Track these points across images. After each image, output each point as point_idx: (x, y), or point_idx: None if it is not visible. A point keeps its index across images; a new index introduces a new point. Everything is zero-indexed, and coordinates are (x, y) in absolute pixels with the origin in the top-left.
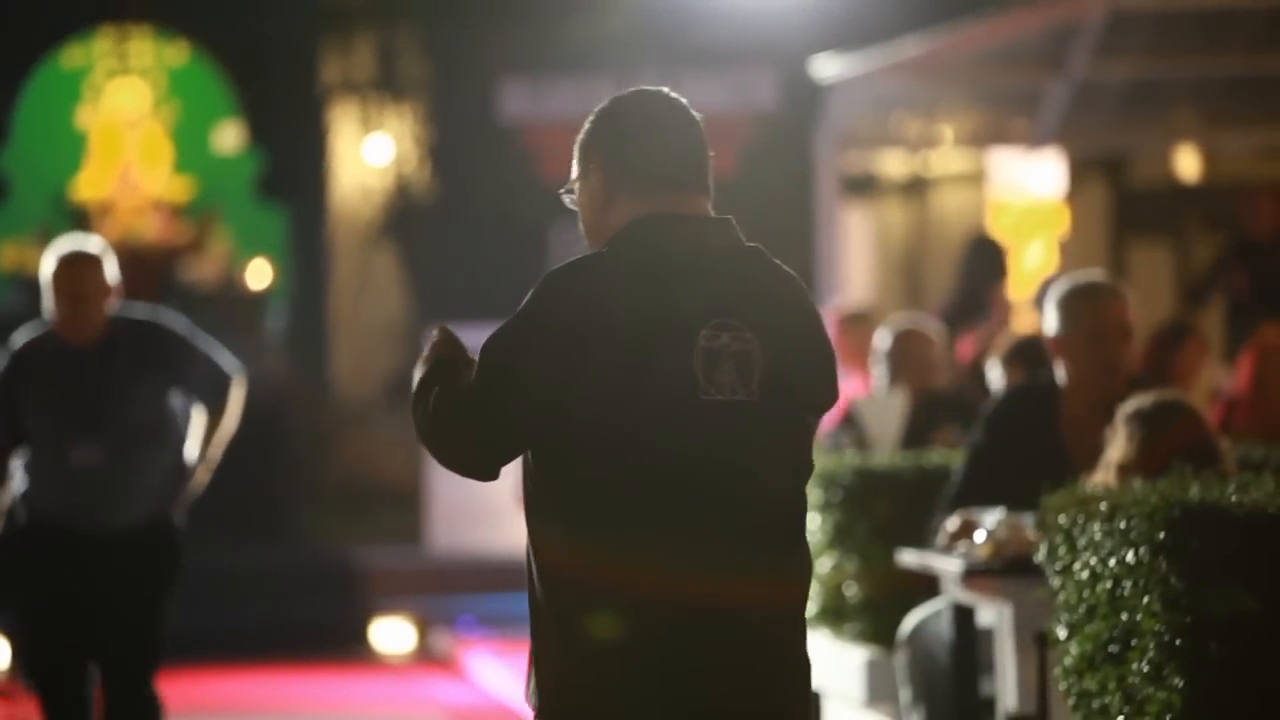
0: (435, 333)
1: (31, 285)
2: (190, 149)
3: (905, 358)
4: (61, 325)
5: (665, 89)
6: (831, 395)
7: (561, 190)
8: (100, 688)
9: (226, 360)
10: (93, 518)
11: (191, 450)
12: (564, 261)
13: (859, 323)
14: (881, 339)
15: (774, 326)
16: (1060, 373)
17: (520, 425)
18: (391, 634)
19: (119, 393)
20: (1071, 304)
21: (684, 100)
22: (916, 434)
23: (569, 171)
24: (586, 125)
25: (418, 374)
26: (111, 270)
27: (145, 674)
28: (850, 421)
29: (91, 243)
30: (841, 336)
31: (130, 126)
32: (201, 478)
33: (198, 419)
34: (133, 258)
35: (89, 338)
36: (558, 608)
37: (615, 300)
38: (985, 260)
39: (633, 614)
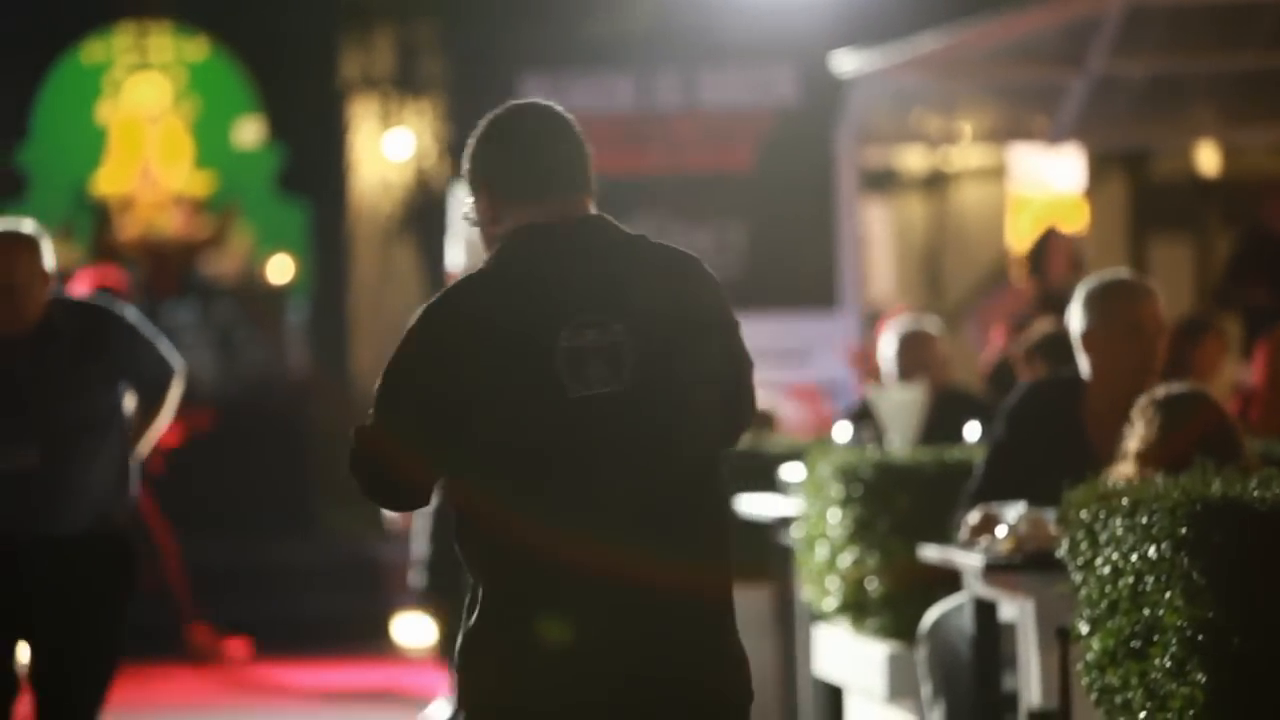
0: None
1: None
2: (211, 144)
3: (911, 358)
4: None
5: (539, 100)
6: (726, 360)
7: (464, 216)
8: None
9: (171, 355)
10: (30, 526)
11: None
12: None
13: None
14: (887, 341)
15: (649, 311)
16: (1085, 367)
17: (423, 449)
18: (413, 628)
19: (57, 386)
20: (1108, 300)
21: (556, 107)
22: (932, 429)
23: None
24: (468, 149)
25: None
26: (48, 254)
27: (88, 708)
28: (866, 413)
29: (25, 224)
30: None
31: (151, 122)
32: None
33: (132, 412)
34: (154, 253)
35: (18, 329)
36: (486, 604)
37: (482, 315)
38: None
39: (545, 608)
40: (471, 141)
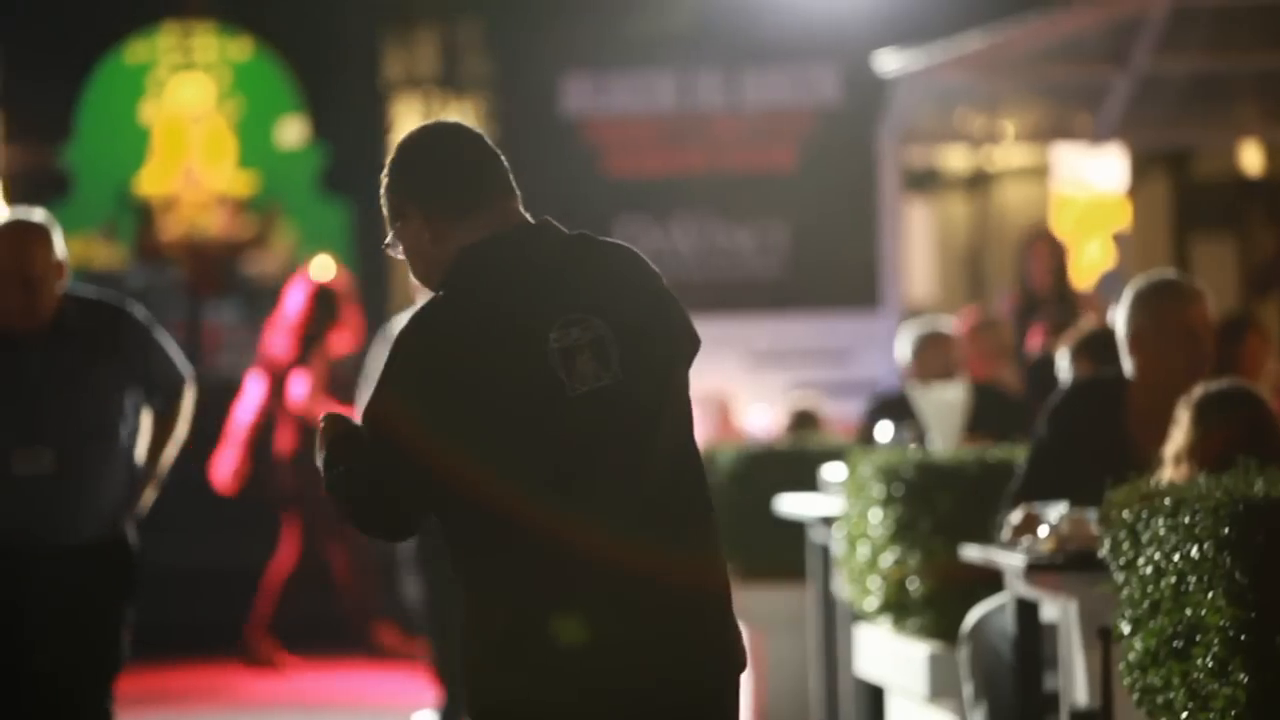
0: (323, 421)
1: (96, 280)
2: (254, 144)
3: (929, 360)
4: (2, 311)
5: (437, 119)
6: (691, 337)
7: (384, 246)
8: None
9: (180, 360)
10: (40, 535)
11: (141, 458)
12: (409, 314)
13: (989, 329)
14: (902, 345)
15: (616, 302)
16: (1129, 367)
17: (421, 480)
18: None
19: (70, 387)
20: (1159, 301)
21: (457, 120)
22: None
23: (632, 165)
24: (386, 177)
25: (320, 459)
26: (60, 245)
27: (93, 715)
28: (895, 407)
29: (35, 213)
30: (972, 343)
31: (194, 122)
32: (148, 495)
33: (148, 425)
34: (196, 253)
35: (34, 325)
36: (501, 610)
37: (464, 334)
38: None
39: (565, 609)
40: (391, 171)
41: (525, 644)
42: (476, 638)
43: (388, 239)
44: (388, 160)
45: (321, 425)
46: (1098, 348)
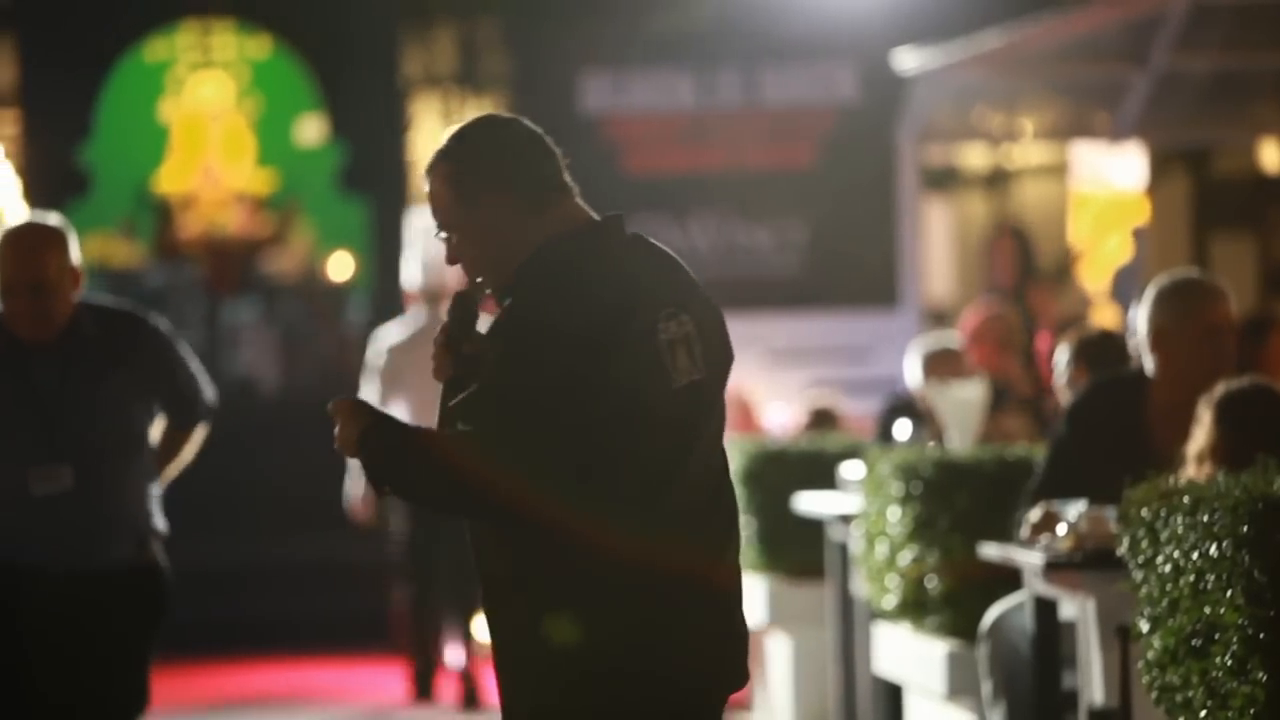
0: (339, 406)
1: (115, 278)
2: (272, 142)
3: (937, 375)
4: (14, 320)
5: (498, 113)
6: (731, 350)
7: (436, 234)
8: None
9: (207, 386)
10: (61, 557)
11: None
12: (523, 294)
13: (998, 320)
14: (912, 361)
15: (691, 300)
16: (1150, 365)
17: (556, 452)
18: (475, 625)
19: (87, 399)
20: (1182, 300)
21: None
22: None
23: (651, 163)
24: (455, 162)
25: (376, 447)
26: (75, 249)
27: None
28: (907, 407)
29: (51, 216)
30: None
31: (213, 120)
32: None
33: (159, 437)
34: (215, 251)
35: (47, 334)
36: (571, 598)
37: (588, 321)
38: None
39: (642, 603)
40: (466, 156)
41: (606, 635)
42: (546, 626)
43: (444, 227)
44: (451, 145)
45: (345, 410)
46: (1095, 351)
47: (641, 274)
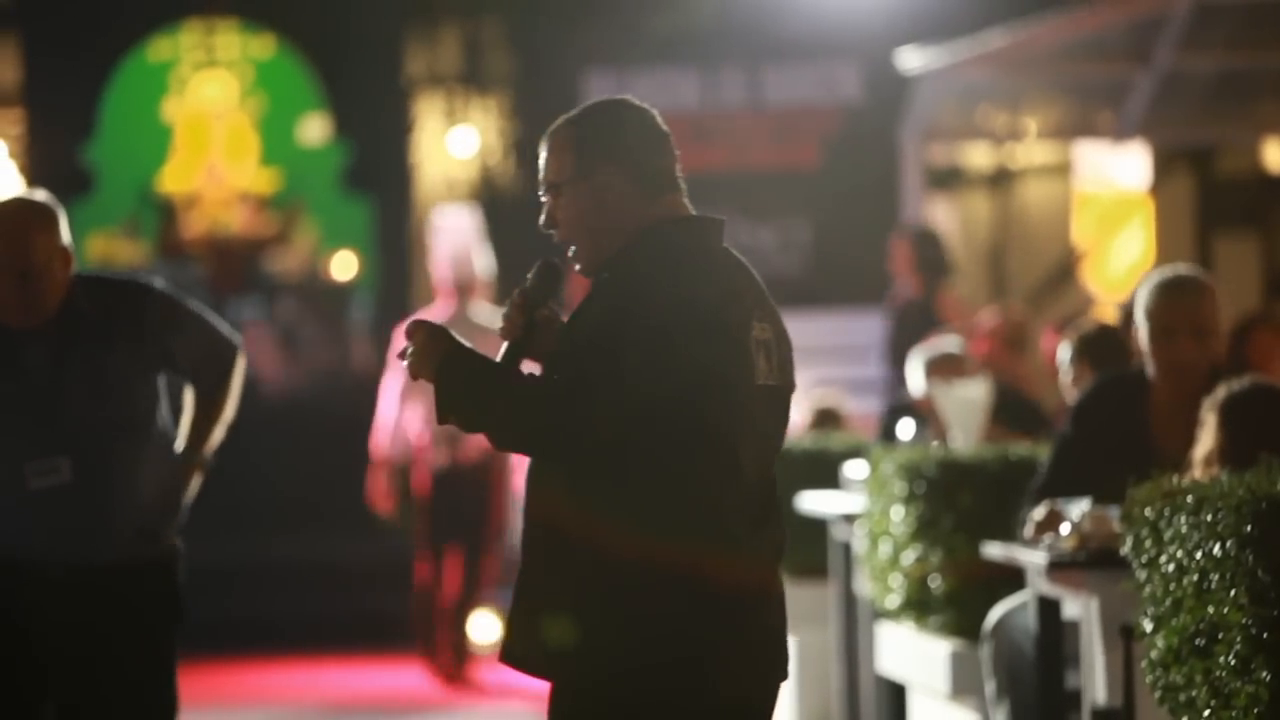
0: (417, 328)
1: None
2: (276, 141)
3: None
4: (2, 307)
5: (634, 100)
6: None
7: (548, 185)
8: None
9: (224, 328)
10: (64, 554)
11: (181, 446)
12: (623, 261)
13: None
14: (915, 369)
15: (770, 311)
16: (1148, 363)
17: (624, 414)
18: (479, 626)
19: (86, 381)
20: (1147, 299)
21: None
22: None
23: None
24: (583, 128)
25: (456, 372)
26: (64, 227)
27: None
28: (922, 414)
29: (38, 194)
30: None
31: (216, 119)
32: (192, 481)
33: (189, 404)
34: (219, 250)
35: (41, 317)
36: (629, 590)
37: (690, 301)
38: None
39: (709, 598)
40: (591, 126)
41: (698, 631)
42: (621, 625)
43: (554, 181)
44: (584, 114)
45: (421, 333)
46: (1096, 348)
47: (737, 274)
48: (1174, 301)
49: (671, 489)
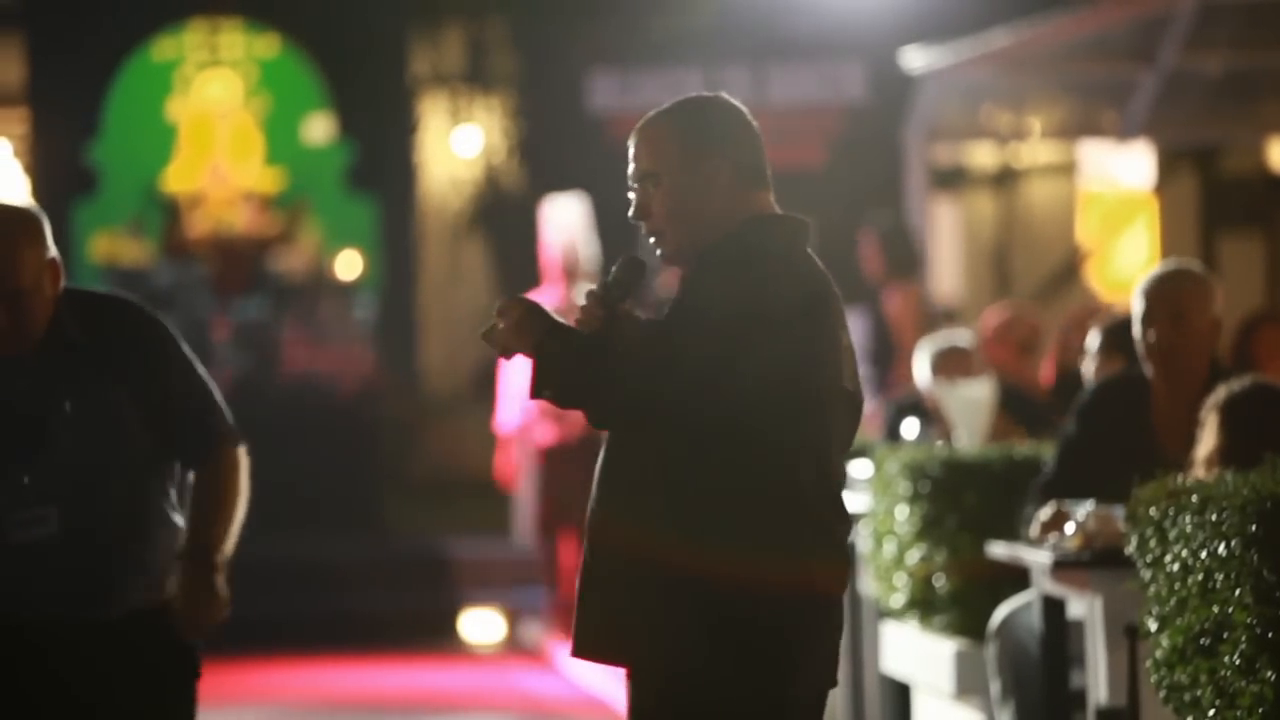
0: (512, 305)
1: (123, 277)
2: (281, 141)
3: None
4: None
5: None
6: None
7: (644, 174)
8: None
9: (219, 405)
10: (54, 612)
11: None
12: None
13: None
14: (920, 361)
15: (845, 318)
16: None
17: (738, 402)
18: (481, 625)
19: (75, 420)
20: (1151, 292)
21: None
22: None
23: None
24: (685, 120)
25: (554, 347)
26: (49, 240)
27: None
28: (926, 409)
29: (18, 201)
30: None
31: (221, 118)
32: (214, 585)
33: (191, 482)
34: (223, 249)
35: (25, 344)
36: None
37: (796, 296)
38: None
39: (796, 595)
40: (702, 113)
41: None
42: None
43: (661, 170)
44: (685, 106)
45: (526, 311)
46: (1124, 337)
47: (827, 276)
48: (1152, 287)
49: (763, 480)
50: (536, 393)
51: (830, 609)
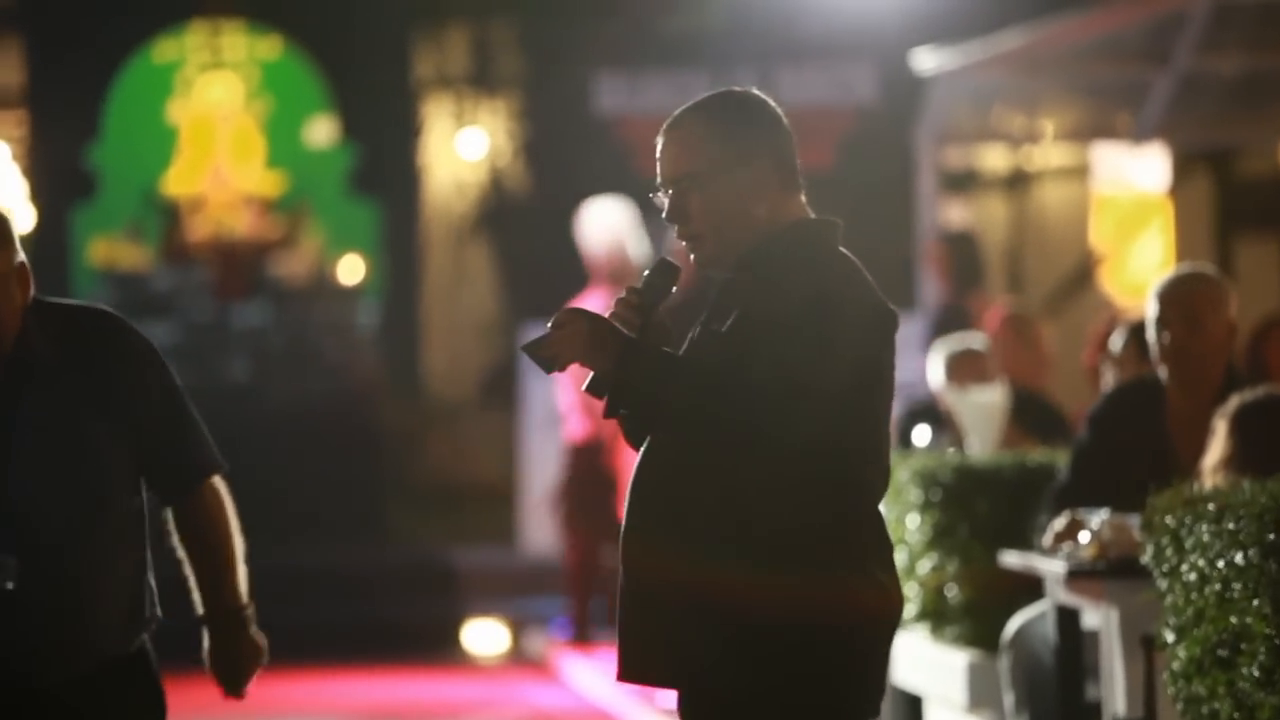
0: (572, 317)
1: (122, 281)
2: (282, 143)
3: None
4: None
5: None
6: None
7: (681, 176)
8: None
9: (205, 438)
10: (10, 666)
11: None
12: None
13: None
14: (934, 363)
15: None
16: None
17: (831, 415)
18: (484, 636)
19: (41, 458)
20: (1164, 297)
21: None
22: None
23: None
24: (725, 118)
25: (637, 364)
26: (17, 244)
27: None
28: (941, 414)
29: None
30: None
31: (222, 121)
32: (241, 643)
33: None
34: (224, 253)
35: None
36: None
37: (870, 303)
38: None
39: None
40: (743, 112)
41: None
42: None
43: (704, 169)
44: (726, 103)
45: (591, 326)
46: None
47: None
48: (1167, 290)
49: (842, 507)
50: (611, 411)
51: (884, 638)
